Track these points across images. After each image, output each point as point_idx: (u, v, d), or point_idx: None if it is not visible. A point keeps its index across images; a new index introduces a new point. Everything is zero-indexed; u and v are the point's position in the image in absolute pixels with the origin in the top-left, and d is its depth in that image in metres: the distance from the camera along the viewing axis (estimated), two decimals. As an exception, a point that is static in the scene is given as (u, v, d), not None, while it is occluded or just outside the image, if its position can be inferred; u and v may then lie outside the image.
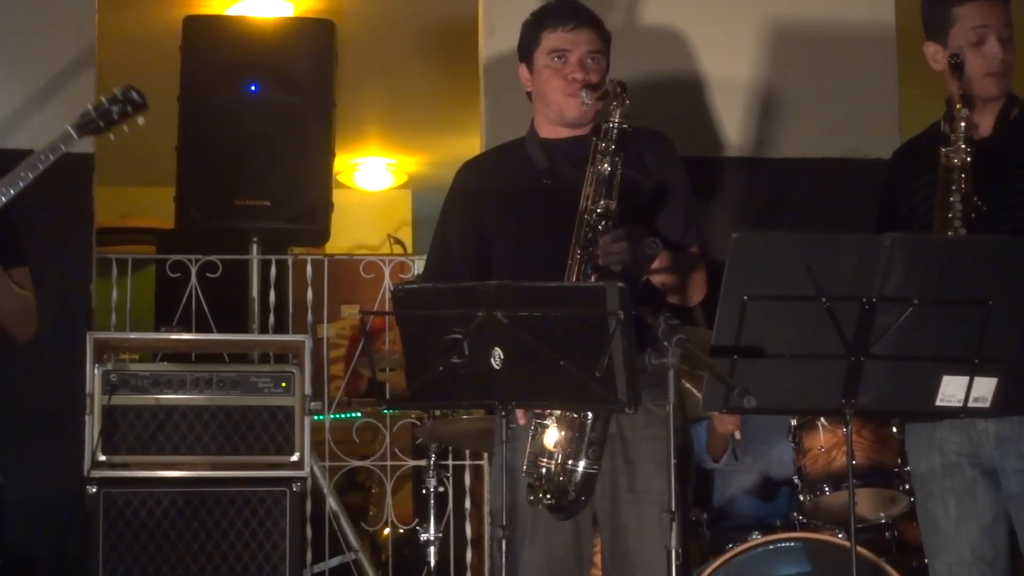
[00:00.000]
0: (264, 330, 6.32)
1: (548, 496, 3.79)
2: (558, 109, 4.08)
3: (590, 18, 4.10)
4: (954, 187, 3.87)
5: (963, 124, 3.89)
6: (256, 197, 6.22)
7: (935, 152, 3.98)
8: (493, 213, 4.10)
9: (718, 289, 3.39)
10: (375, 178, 10.65)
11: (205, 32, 6.42)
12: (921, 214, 4.09)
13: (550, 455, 3.79)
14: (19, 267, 4.40)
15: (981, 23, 3.99)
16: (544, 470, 3.79)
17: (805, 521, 5.01)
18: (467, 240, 4.12)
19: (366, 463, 6.66)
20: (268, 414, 5.29)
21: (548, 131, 4.14)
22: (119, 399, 5.19)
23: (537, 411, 3.81)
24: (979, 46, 4.00)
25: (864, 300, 3.38)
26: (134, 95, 4.43)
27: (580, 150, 3.95)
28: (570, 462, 3.78)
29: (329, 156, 6.44)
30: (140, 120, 4.48)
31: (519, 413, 3.80)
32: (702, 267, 4.10)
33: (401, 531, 6.75)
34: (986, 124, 4.03)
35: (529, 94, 4.19)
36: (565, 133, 4.10)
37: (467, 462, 6.43)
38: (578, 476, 3.77)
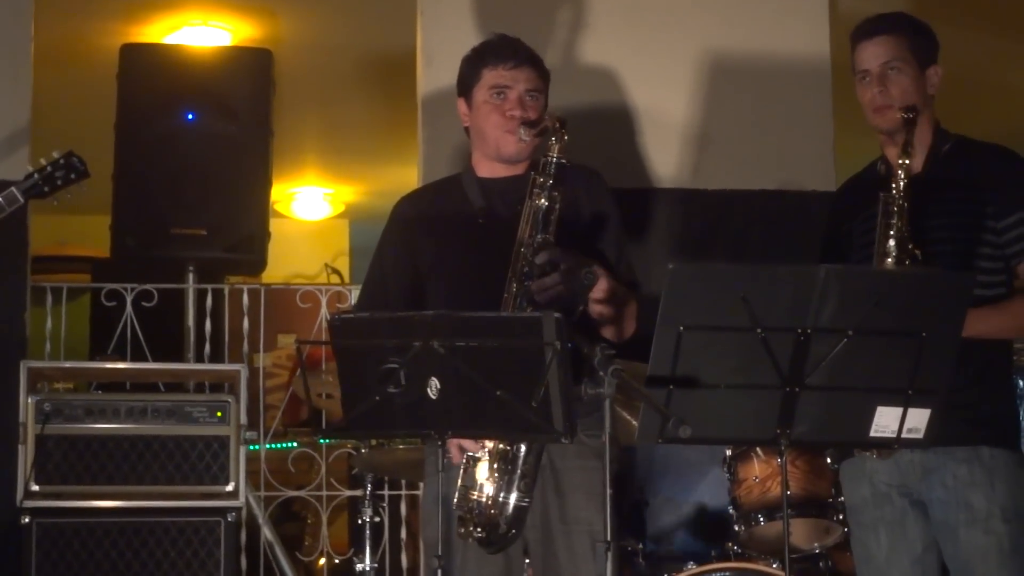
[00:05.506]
0: (200, 359, 6.29)
1: (479, 529, 3.78)
2: (495, 145, 4.08)
3: (530, 57, 4.13)
4: (892, 231, 3.91)
5: (901, 172, 3.93)
6: (192, 226, 6.20)
7: (874, 189, 4.03)
8: (429, 250, 4.10)
9: (654, 322, 3.39)
10: (312, 207, 10.64)
11: (142, 61, 6.40)
12: (859, 248, 4.13)
13: (481, 488, 3.79)
14: None
15: (863, 67, 4.12)
16: (475, 503, 3.79)
17: (739, 551, 5.01)
18: (402, 273, 4.12)
19: (301, 493, 6.63)
20: (203, 444, 5.27)
21: (485, 169, 4.15)
22: (52, 428, 5.15)
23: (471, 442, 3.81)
24: (862, 83, 4.13)
25: (799, 331, 3.39)
26: (76, 162, 4.43)
27: (516, 190, 3.96)
28: (502, 495, 3.77)
29: (266, 185, 6.43)
30: (82, 187, 4.50)
31: (454, 452, 3.81)
32: (634, 302, 4.09)
33: (337, 561, 6.72)
34: (918, 160, 4.07)
35: (467, 129, 4.20)
36: (502, 171, 4.11)
37: (403, 492, 6.42)
38: (510, 509, 3.77)
